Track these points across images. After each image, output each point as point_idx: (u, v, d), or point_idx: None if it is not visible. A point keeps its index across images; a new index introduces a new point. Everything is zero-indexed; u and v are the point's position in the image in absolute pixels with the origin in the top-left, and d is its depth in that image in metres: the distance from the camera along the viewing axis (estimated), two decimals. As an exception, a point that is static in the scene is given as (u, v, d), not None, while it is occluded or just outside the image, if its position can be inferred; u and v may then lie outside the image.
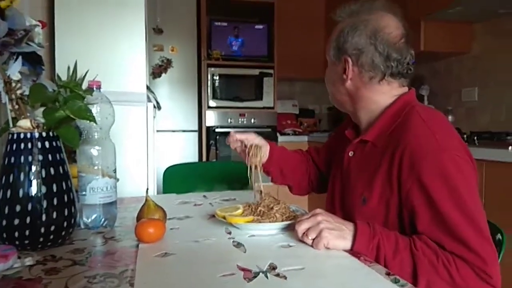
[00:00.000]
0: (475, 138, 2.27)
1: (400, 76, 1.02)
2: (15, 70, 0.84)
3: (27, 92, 0.85)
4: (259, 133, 3.94)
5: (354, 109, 1.08)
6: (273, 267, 0.72)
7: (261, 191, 1.20)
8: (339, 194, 1.11)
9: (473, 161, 0.93)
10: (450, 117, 2.82)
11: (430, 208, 0.87)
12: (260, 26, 3.74)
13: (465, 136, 2.38)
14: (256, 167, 1.17)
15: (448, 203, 0.85)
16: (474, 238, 0.83)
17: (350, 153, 1.08)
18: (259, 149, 1.19)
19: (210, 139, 3.55)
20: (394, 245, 0.85)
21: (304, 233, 0.85)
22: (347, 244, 0.84)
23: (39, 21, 0.89)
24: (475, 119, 2.82)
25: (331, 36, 1.08)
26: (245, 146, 1.22)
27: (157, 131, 2.45)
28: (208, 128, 3.56)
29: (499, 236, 0.99)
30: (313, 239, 0.84)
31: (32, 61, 0.90)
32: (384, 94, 1.03)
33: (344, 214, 0.92)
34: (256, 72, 3.67)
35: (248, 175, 1.18)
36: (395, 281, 0.68)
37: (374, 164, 0.98)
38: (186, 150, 3.54)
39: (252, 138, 1.22)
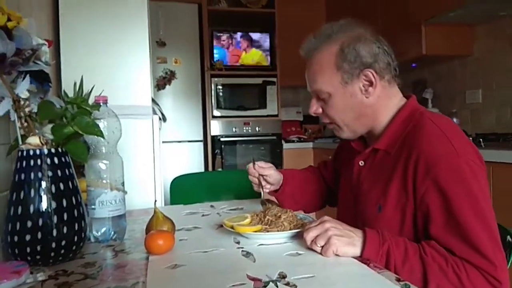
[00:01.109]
0: (481, 140, 2.26)
1: (396, 74, 1.04)
2: (23, 88, 0.85)
3: (35, 110, 0.86)
4: (264, 141, 3.95)
5: (373, 123, 1.04)
6: (283, 276, 0.72)
7: (265, 200, 1.21)
8: (352, 204, 1.10)
9: (485, 167, 0.94)
10: (455, 120, 2.81)
11: (445, 210, 0.87)
12: (262, 36, 3.76)
13: (470, 138, 2.37)
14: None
15: (465, 206, 0.85)
16: (487, 244, 0.83)
17: (361, 163, 1.08)
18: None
19: (216, 148, 3.57)
20: (404, 251, 0.85)
21: (312, 240, 0.85)
22: (357, 250, 0.84)
23: (45, 39, 0.91)
24: (480, 121, 2.82)
25: (324, 67, 1.01)
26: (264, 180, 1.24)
27: (163, 142, 2.47)
28: (213, 137, 3.57)
29: (509, 238, 0.99)
30: (322, 247, 0.84)
31: (40, 79, 0.91)
32: (395, 97, 1.05)
33: (359, 224, 0.92)
34: (259, 81, 3.69)
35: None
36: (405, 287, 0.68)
37: (388, 172, 0.98)
38: (192, 160, 3.55)
39: (270, 174, 1.23)
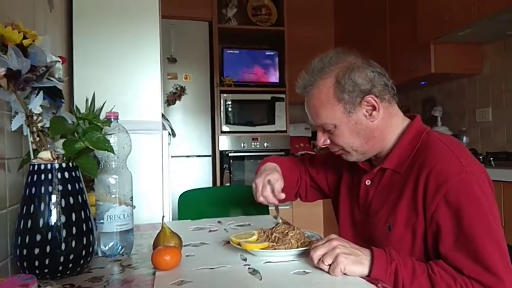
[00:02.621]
0: (491, 159, 2.24)
1: (394, 93, 1.05)
2: (36, 104, 0.87)
3: (47, 125, 0.88)
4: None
5: (381, 144, 1.04)
6: (289, 295, 0.72)
7: (277, 212, 1.20)
8: (361, 223, 1.10)
9: (492, 187, 0.94)
10: (464, 138, 2.80)
11: (456, 227, 0.87)
12: (271, 53, 3.80)
13: (481, 157, 2.35)
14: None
15: (475, 223, 0.85)
16: (497, 261, 0.83)
17: (367, 182, 1.08)
18: None
19: (224, 163, 3.57)
20: (412, 270, 0.84)
21: (320, 259, 0.85)
22: (364, 269, 0.84)
23: (59, 56, 0.93)
24: (490, 140, 2.79)
25: (325, 101, 1.01)
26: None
27: (172, 156, 2.48)
28: (221, 152, 3.58)
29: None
30: (330, 265, 0.83)
31: (53, 94, 0.93)
32: (396, 115, 1.05)
33: (369, 243, 0.91)
34: (268, 97, 3.71)
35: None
36: (413, 308, 0.67)
37: (397, 190, 0.99)
38: (200, 175, 3.56)
39: (279, 187, 1.15)
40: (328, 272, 0.83)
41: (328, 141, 1.08)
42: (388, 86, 1.02)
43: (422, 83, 3.25)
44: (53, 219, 0.81)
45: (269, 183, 1.13)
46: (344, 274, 0.82)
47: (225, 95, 3.62)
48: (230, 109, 3.62)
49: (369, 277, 0.82)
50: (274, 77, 3.79)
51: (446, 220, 0.88)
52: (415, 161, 0.97)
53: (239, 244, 0.97)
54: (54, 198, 0.82)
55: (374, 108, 1.00)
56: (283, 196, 1.13)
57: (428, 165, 0.93)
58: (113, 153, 0.91)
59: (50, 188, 0.82)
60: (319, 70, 1.02)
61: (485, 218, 0.86)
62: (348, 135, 1.03)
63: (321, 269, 0.85)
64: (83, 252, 0.85)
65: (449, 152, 0.93)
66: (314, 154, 1.39)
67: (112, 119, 1.01)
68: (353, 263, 0.83)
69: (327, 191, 1.31)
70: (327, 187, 1.30)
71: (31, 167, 0.83)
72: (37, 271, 0.80)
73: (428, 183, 0.91)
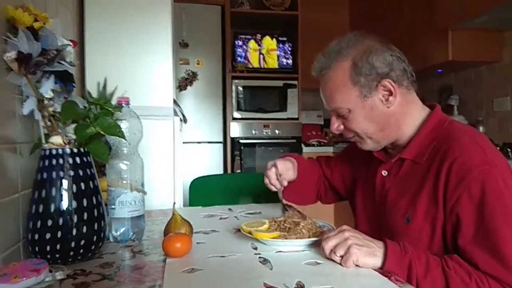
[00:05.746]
0: (509, 149, 2.19)
1: (413, 80, 1.02)
2: (47, 88, 0.86)
3: (59, 109, 0.88)
4: (283, 144, 3.88)
5: (397, 132, 1.02)
6: (301, 286, 0.71)
7: (286, 205, 1.19)
8: (377, 215, 1.08)
9: None
10: (481, 128, 2.74)
11: (477, 220, 0.85)
12: (284, 38, 3.75)
13: (498, 148, 2.30)
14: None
15: (498, 216, 0.83)
16: None
17: (384, 173, 1.06)
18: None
19: (235, 150, 3.57)
20: (426, 264, 0.82)
21: (331, 250, 0.84)
22: (377, 261, 0.82)
23: (70, 40, 0.92)
24: (508, 130, 2.73)
25: (340, 84, 0.99)
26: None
27: (183, 142, 2.47)
28: (232, 139, 3.57)
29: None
30: (342, 256, 0.82)
31: (64, 79, 0.92)
32: (414, 103, 1.03)
33: (386, 236, 0.89)
34: (280, 83, 3.67)
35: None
36: (428, 302, 0.65)
37: (417, 182, 0.96)
38: (211, 161, 3.56)
39: (287, 176, 1.21)
40: (340, 264, 0.82)
41: (342, 126, 1.06)
42: (407, 72, 0.99)
43: (439, 71, 3.18)
44: (65, 204, 0.81)
45: (275, 167, 1.19)
46: (357, 265, 0.81)
47: (236, 81, 3.59)
48: (241, 96, 3.60)
49: (382, 270, 0.81)
50: (286, 63, 3.75)
51: (467, 212, 0.86)
52: (436, 152, 0.94)
53: (249, 232, 0.97)
54: (65, 183, 0.82)
55: (390, 93, 0.97)
56: (285, 183, 1.19)
57: (450, 156, 0.90)
58: (124, 139, 0.90)
59: (61, 173, 0.82)
60: (336, 52, 1.00)
61: (507, 212, 0.83)
62: (363, 120, 1.00)
63: (333, 260, 0.83)
64: (95, 238, 0.85)
65: (474, 143, 0.91)
66: (328, 156, 1.38)
67: (124, 105, 1.00)
68: (366, 254, 0.81)
69: (343, 192, 1.29)
70: (343, 186, 1.28)
71: (43, 152, 0.83)
72: (48, 256, 0.80)
73: (450, 174, 0.88)
